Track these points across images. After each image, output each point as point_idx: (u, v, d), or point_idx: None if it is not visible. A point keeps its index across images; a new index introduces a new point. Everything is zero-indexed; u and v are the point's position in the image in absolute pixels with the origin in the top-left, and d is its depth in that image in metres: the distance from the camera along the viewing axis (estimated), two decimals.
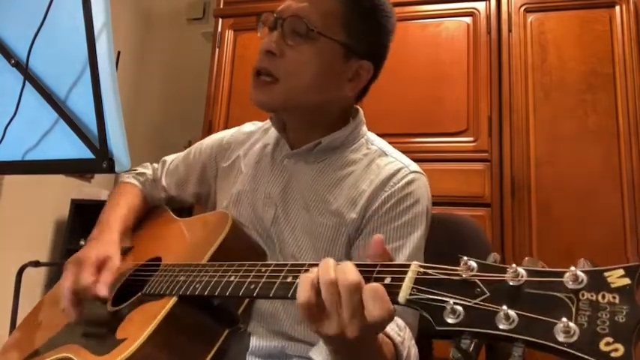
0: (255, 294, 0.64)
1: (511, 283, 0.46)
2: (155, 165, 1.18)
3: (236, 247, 0.84)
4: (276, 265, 0.65)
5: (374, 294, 0.52)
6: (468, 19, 2.22)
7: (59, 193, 2.83)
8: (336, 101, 0.93)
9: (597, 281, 0.42)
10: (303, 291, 0.55)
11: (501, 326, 0.44)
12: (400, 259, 0.84)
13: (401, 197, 0.88)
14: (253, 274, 0.66)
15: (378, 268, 0.56)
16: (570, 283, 0.43)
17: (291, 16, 0.88)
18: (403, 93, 2.18)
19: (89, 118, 0.63)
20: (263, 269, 0.66)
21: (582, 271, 0.43)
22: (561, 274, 0.44)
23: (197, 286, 0.71)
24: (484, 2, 2.22)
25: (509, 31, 2.16)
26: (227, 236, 0.82)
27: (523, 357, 0.43)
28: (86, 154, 0.63)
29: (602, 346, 0.39)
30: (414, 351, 0.78)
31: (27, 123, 0.72)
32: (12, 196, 2.56)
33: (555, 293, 0.43)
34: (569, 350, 0.40)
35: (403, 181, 0.89)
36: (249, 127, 1.12)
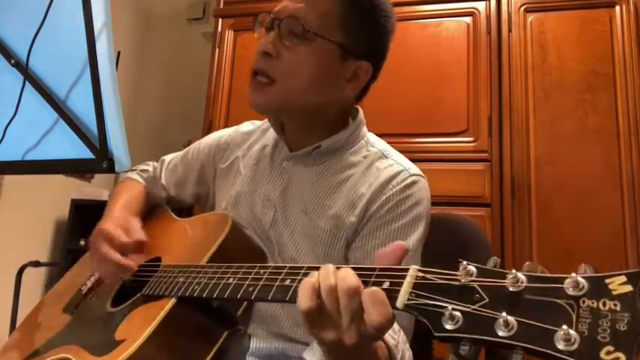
0: (253, 297, 0.64)
1: (511, 289, 0.45)
2: (155, 163, 1.18)
3: (236, 248, 0.84)
4: (275, 268, 0.65)
5: (373, 298, 0.52)
6: (468, 19, 2.22)
7: (59, 193, 2.83)
8: (335, 102, 0.92)
9: (598, 288, 0.42)
10: (305, 298, 0.54)
11: (500, 333, 0.43)
12: None
13: (400, 200, 0.87)
14: (252, 276, 0.66)
15: (376, 272, 0.55)
16: (571, 289, 0.42)
17: (287, 16, 0.87)
18: (403, 93, 2.18)
19: (89, 118, 0.63)
20: (261, 272, 0.66)
21: (583, 277, 0.42)
22: (562, 280, 0.43)
23: (196, 287, 0.71)
24: (484, 2, 2.22)
25: (509, 31, 2.16)
26: (227, 237, 0.82)
27: None
28: (86, 154, 0.63)
29: (603, 355, 0.38)
30: (409, 354, 0.77)
31: (27, 123, 0.72)
32: (12, 196, 2.56)
33: (555, 300, 0.43)
34: (569, 358, 0.39)
35: (403, 184, 0.88)
36: (247, 126, 1.11)
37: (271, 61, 0.87)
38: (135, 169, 1.16)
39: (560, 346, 0.40)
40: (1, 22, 0.75)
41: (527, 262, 0.47)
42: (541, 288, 0.44)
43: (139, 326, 0.71)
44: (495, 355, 0.95)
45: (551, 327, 0.41)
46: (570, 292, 0.42)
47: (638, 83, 1.98)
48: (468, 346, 0.45)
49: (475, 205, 2.02)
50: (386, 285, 0.53)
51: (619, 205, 1.90)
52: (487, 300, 0.46)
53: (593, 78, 2.03)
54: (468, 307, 0.46)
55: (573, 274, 0.43)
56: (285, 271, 0.63)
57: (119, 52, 2.97)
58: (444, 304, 0.47)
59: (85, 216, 2.78)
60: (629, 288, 0.41)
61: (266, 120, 1.04)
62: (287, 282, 0.61)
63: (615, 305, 0.40)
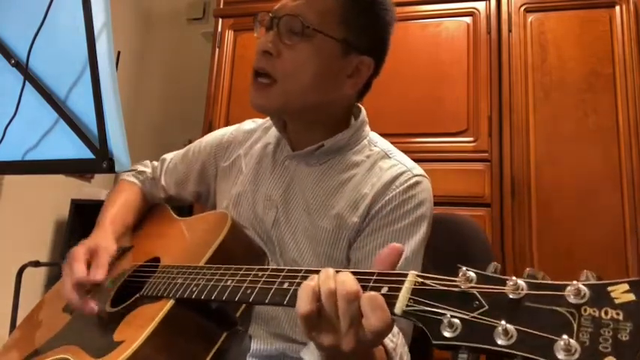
0: (251, 299, 0.63)
1: (511, 296, 0.44)
2: (155, 163, 1.17)
3: (235, 248, 0.84)
4: (273, 271, 0.65)
5: (373, 303, 0.51)
6: (468, 19, 2.22)
7: (59, 193, 2.83)
8: (337, 101, 0.92)
9: (600, 296, 0.41)
10: (304, 301, 0.54)
11: (500, 341, 0.42)
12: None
13: (402, 200, 0.86)
14: (250, 278, 0.66)
15: (375, 277, 0.54)
16: (572, 297, 0.42)
17: (286, 14, 0.87)
18: (403, 93, 2.18)
19: (89, 118, 0.63)
20: (259, 274, 0.65)
21: (585, 285, 0.42)
22: (563, 288, 0.42)
23: (194, 289, 0.71)
24: (484, 2, 2.22)
25: (509, 31, 2.16)
26: (226, 237, 0.82)
27: None
28: (86, 154, 0.63)
29: None
30: (407, 358, 0.77)
31: (27, 123, 0.72)
32: (12, 196, 2.56)
33: (556, 308, 0.42)
34: None
35: (406, 185, 0.87)
36: (249, 124, 1.10)
37: (272, 60, 0.87)
38: (132, 170, 1.15)
39: (561, 356, 0.39)
40: (1, 22, 0.75)
41: (528, 268, 0.46)
42: (542, 295, 0.43)
43: (138, 327, 0.71)
44: None
45: (551, 336, 0.40)
46: (571, 299, 0.42)
47: (638, 83, 1.98)
48: (467, 355, 0.44)
49: (475, 205, 2.02)
50: (384, 290, 0.52)
51: (619, 205, 1.90)
52: (487, 307, 0.45)
53: (593, 78, 2.03)
54: (467, 315, 0.45)
55: (575, 282, 0.42)
56: (283, 274, 0.63)
57: (119, 52, 2.97)
58: (443, 311, 0.47)
59: (85, 216, 2.77)
60: (631, 297, 0.40)
61: (268, 118, 1.04)
62: (285, 285, 0.61)
63: (618, 314, 0.39)
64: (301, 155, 0.94)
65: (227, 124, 2.40)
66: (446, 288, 0.49)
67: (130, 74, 3.35)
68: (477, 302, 0.46)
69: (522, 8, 2.17)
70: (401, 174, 0.89)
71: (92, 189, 3.02)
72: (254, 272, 0.66)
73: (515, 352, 0.42)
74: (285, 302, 0.59)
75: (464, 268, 0.49)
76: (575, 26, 2.10)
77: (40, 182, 2.69)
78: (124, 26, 3.33)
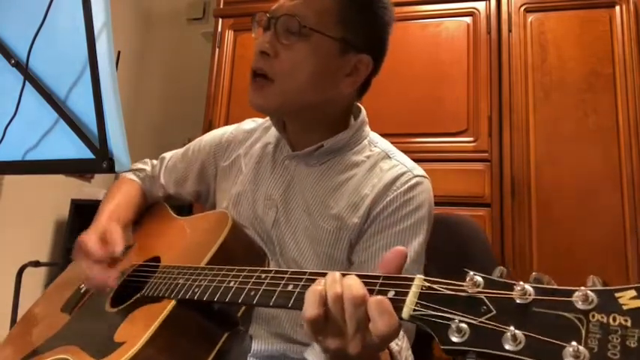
0: (254, 302, 0.63)
1: (518, 302, 0.44)
2: (154, 161, 1.17)
3: (236, 249, 0.83)
4: (277, 272, 0.64)
5: (380, 307, 0.51)
6: (468, 19, 2.22)
7: (59, 193, 2.83)
8: (336, 100, 0.91)
9: (608, 302, 0.41)
10: (311, 305, 0.54)
11: (508, 347, 0.42)
12: None
13: (403, 202, 0.86)
14: (253, 280, 0.65)
15: (381, 281, 0.54)
16: (580, 303, 0.42)
17: (283, 14, 0.86)
18: (403, 93, 2.18)
19: (89, 118, 0.63)
20: (263, 276, 0.65)
21: (592, 291, 0.42)
22: (570, 294, 0.42)
23: (196, 290, 0.71)
24: (484, 2, 2.22)
25: (509, 31, 2.16)
26: (227, 237, 0.81)
27: None
28: (86, 154, 0.63)
29: None
30: None
31: (27, 123, 0.71)
32: (12, 196, 2.56)
33: (564, 313, 0.42)
34: None
35: (406, 186, 0.87)
36: (249, 124, 1.10)
37: (269, 60, 0.87)
38: (132, 169, 1.15)
39: None
40: (1, 22, 0.75)
41: (534, 273, 0.46)
42: (549, 301, 0.43)
43: (139, 328, 0.70)
44: None
45: (560, 342, 0.40)
46: (579, 305, 0.42)
47: (638, 83, 1.98)
48: (474, 359, 0.44)
49: (475, 205, 2.02)
50: (391, 294, 0.52)
51: (619, 205, 1.90)
52: (494, 312, 0.45)
53: (593, 78, 2.03)
54: (475, 320, 0.45)
55: (582, 288, 0.42)
56: (287, 276, 0.62)
57: (119, 52, 2.97)
58: (451, 316, 0.47)
59: (85, 216, 2.75)
60: (639, 303, 0.40)
61: (268, 117, 1.03)
62: (289, 287, 0.60)
63: (626, 321, 0.39)
64: (301, 155, 0.94)
65: (227, 123, 2.38)
66: (453, 292, 0.48)
67: (130, 74, 3.35)
68: (485, 307, 0.46)
69: (522, 8, 2.17)
70: (402, 175, 0.88)
71: (92, 189, 3.02)
72: (257, 274, 0.66)
73: (523, 358, 0.41)
74: (289, 305, 0.59)
75: (471, 273, 0.48)
76: (575, 26, 2.10)
77: (40, 182, 2.69)
78: (124, 26, 3.34)
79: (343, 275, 0.55)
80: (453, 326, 0.46)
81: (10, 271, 2.19)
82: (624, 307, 0.40)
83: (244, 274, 0.68)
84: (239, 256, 0.82)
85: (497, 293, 0.46)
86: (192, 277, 0.73)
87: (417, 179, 0.89)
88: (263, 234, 0.93)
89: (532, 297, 0.44)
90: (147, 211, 1.11)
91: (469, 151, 2.08)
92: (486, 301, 0.46)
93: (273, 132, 1.01)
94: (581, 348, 0.39)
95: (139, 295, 0.80)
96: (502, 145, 2.06)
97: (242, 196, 0.97)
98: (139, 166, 1.16)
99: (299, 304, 0.56)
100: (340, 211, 0.88)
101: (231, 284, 0.67)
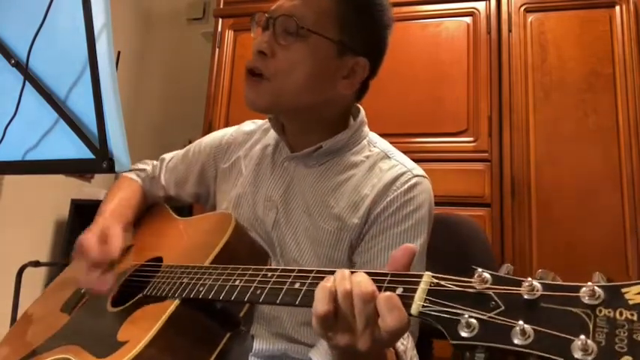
0: (261, 300, 0.63)
1: (526, 297, 0.45)
2: (155, 162, 1.17)
3: (240, 249, 0.83)
4: (283, 271, 0.64)
5: (389, 303, 0.51)
6: (468, 19, 2.22)
7: (59, 193, 2.83)
8: (333, 101, 0.91)
9: (615, 297, 0.42)
10: (322, 302, 0.54)
11: (517, 341, 0.43)
12: None
13: (404, 202, 0.86)
14: (259, 279, 0.65)
15: (389, 278, 0.55)
16: (587, 298, 0.42)
17: (281, 15, 0.87)
18: (403, 93, 2.18)
19: (89, 118, 0.63)
20: (269, 274, 0.65)
21: (599, 287, 0.42)
22: (577, 289, 0.43)
23: (201, 289, 0.70)
24: (484, 2, 2.22)
25: (509, 31, 2.16)
26: (230, 238, 0.81)
27: None
28: (86, 154, 0.63)
29: None
30: None
31: (27, 123, 0.72)
32: (12, 196, 2.56)
33: (572, 308, 0.43)
34: None
35: (406, 186, 0.87)
36: (249, 125, 1.10)
37: (266, 60, 0.87)
38: (132, 169, 1.15)
39: (578, 355, 0.40)
40: (1, 22, 0.75)
41: (540, 270, 0.47)
42: (557, 296, 0.44)
43: (142, 328, 0.70)
44: None
45: (568, 336, 0.41)
46: (586, 300, 0.42)
47: (638, 83, 1.98)
48: (484, 354, 0.45)
49: (475, 205, 2.02)
50: (399, 291, 0.53)
51: (619, 205, 1.90)
52: (503, 308, 0.46)
53: (593, 78, 2.03)
54: (484, 315, 0.46)
55: (589, 283, 0.43)
56: (294, 274, 0.62)
57: (119, 52, 2.97)
58: (460, 312, 0.47)
59: (85, 216, 2.75)
60: None
61: (267, 119, 1.04)
62: (297, 285, 0.60)
63: (632, 315, 0.40)
64: (300, 157, 0.94)
65: (227, 124, 2.41)
66: (462, 289, 0.49)
67: (130, 74, 3.35)
68: (494, 303, 0.47)
69: (522, 8, 2.17)
70: (401, 175, 0.88)
71: (92, 189, 3.02)
72: (262, 272, 0.66)
73: (533, 352, 0.42)
74: (297, 302, 0.59)
75: (479, 270, 0.49)
76: (575, 26, 2.10)
77: (40, 182, 2.69)
78: (124, 26, 3.33)
79: (352, 272, 0.56)
80: (463, 321, 0.46)
81: (10, 271, 2.18)
82: (630, 302, 0.41)
83: (250, 272, 0.68)
84: (242, 257, 0.82)
85: (505, 289, 0.47)
86: (197, 277, 0.73)
87: (416, 179, 0.89)
88: (263, 235, 0.93)
89: (540, 293, 0.45)
90: (147, 211, 1.11)
91: (469, 151, 2.08)
92: (495, 297, 0.47)
93: (272, 134, 1.01)
94: (589, 342, 0.40)
95: (141, 295, 0.80)
96: (502, 145, 2.06)
97: (242, 198, 0.97)
98: (140, 166, 1.16)
99: (306, 301, 0.57)
100: (340, 211, 0.88)
101: (237, 283, 0.67)
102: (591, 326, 0.41)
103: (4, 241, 2.51)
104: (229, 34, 2.54)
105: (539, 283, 0.45)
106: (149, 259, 0.92)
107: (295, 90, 0.87)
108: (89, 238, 0.88)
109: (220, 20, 2.58)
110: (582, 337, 0.40)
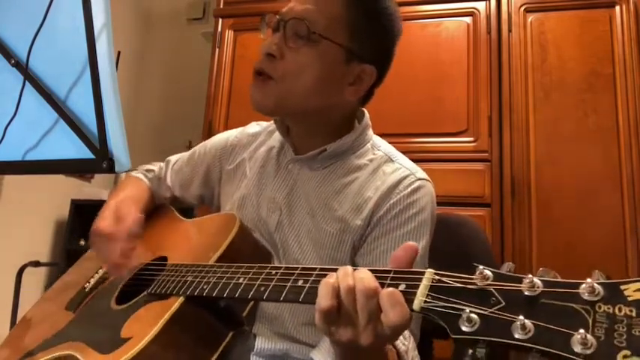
0: (264, 297, 0.63)
1: (527, 293, 0.46)
2: (161, 164, 1.18)
3: (243, 249, 0.84)
4: (287, 269, 0.65)
5: (392, 299, 0.52)
6: (468, 19, 2.22)
7: (59, 193, 2.83)
8: (338, 106, 0.92)
9: (613, 293, 0.43)
10: (325, 297, 0.55)
11: (517, 335, 0.44)
12: None
13: (406, 205, 0.87)
14: (263, 276, 0.66)
15: (392, 275, 0.55)
16: (586, 294, 0.43)
17: (293, 18, 0.87)
18: (403, 93, 2.18)
19: (89, 118, 0.63)
20: (273, 272, 0.66)
21: (598, 283, 0.43)
22: (577, 286, 0.44)
23: (205, 287, 0.71)
24: (484, 2, 2.22)
25: (509, 31, 2.16)
26: (235, 238, 0.82)
27: None
28: (86, 154, 0.63)
29: (620, 359, 0.39)
30: None
31: (27, 123, 0.72)
32: (12, 196, 2.56)
33: (572, 304, 0.44)
34: None
35: (409, 189, 0.87)
36: (254, 127, 1.10)
37: (274, 62, 0.87)
38: (138, 169, 1.16)
39: (577, 349, 0.41)
40: (1, 22, 0.75)
41: (541, 268, 0.48)
42: (557, 293, 0.45)
43: (146, 324, 0.71)
44: None
45: (568, 331, 0.42)
46: (586, 297, 0.43)
47: (638, 83, 1.98)
48: (485, 349, 0.45)
49: (475, 205, 2.02)
50: (402, 287, 0.53)
51: (619, 205, 1.90)
52: (504, 303, 0.47)
53: (593, 78, 2.03)
54: (485, 310, 0.47)
55: (589, 280, 0.44)
56: (297, 271, 0.63)
57: (119, 52, 2.97)
58: (461, 307, 0.48)
59: (85, 216, 2.77)
60: None
61: (272, 121, 1.04)
62: (300, 282, 0.61)
63: (631, 311, 0.41)
64: (304, 159, 0.94)
65: (227, 124, 2.41)
66: (463, 285, 0.50)
67: (130, 74, 3.35)
68: (494, 299, 0.47)
69: (522, 8, 2.17)
70: (404, 178, 0.89)
71: (92, 189, 3.03)
72: (267, 270, 0.67)
73: (532, 346, 0.43)
74: (300, 299, 0.60)
75: (480, 267, 0.50)
76: (575, 26, 2.10)
77: (40, 182, 2.69)
78: (124, 26, 3.34)
79: (355, 269, 0.56)
80: (464, 316, 0.47)
81: (10, 271, 2.19)
82: (629, 299, 0.42)
83: (254, 270, 0.68)
84: (246, 257, 0.82)
85: (506, 286, 0.48)
86: (201, 275, 0.74)
87: (419, 182, 0.89)
88: (266, 236, 0.93)
89: (540, 289, 0.46)
90: (153, 212, 1.11)
91: (469, 151, 2.08)
92: (496, 293, 0.48)
93: (277, 136, 1.01)
94: (588, 336, 0.41)
95: (145, 293, 0.80)
96: (502, 145, 2.06)
97: (246, 199, 0.97)
98: (147, 167, 1.17)
99: (309, 299, 0.57)
100: (344, 213, 0.88)
101: (241, 280, 0.68)
102: (591, 321, 0.42)
103: (4, 241, 2.51)
104: (229, 34, 2.54)
105: (540, 280, 0.46)
106: (154, 258, 0.92)
107: (301, 93, 0.87)
108: (102, 221, 0.90)
109: (220, 20, 2.58)
110: (582, 331, 0.41)
